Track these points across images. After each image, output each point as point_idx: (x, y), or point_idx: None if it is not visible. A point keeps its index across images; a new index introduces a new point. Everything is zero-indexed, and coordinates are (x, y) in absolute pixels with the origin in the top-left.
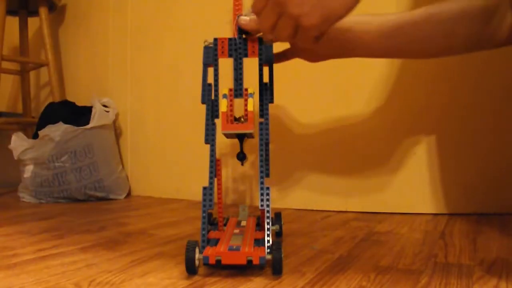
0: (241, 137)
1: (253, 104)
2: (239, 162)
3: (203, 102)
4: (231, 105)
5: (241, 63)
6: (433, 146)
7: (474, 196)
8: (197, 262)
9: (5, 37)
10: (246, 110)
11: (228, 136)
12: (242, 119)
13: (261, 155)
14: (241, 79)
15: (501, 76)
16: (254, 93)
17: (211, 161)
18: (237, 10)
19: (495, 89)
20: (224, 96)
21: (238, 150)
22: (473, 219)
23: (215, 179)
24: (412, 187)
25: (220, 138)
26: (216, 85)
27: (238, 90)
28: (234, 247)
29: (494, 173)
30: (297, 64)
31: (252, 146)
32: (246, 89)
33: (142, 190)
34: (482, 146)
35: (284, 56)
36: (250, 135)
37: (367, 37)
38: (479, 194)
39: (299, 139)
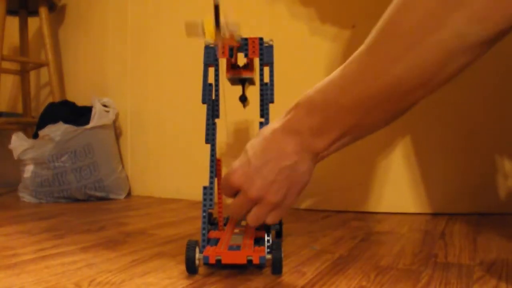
0: (243, 82)
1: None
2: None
3: (203, 102)
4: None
5: None
6: (433, 146)
7: (474, 196)
8: (197, 262)
9: (5, 37)
10: (247, 58)
11: (232, 82)
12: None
13: None
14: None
15: (493, 75)
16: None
17: (211, 161)
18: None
19: (489, 89)
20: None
21: (238, 150)
22: (473, 219)
23: (216, 179)
24: (412, 187)
25: (220, 138)
26: (217, 85)
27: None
28: (234, 246)
29: (494, 173)
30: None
31: None
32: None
33: (142, 190)
34: (482, 146)
35: None
36: (251, 82)
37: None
38: (479, 194)
39: None
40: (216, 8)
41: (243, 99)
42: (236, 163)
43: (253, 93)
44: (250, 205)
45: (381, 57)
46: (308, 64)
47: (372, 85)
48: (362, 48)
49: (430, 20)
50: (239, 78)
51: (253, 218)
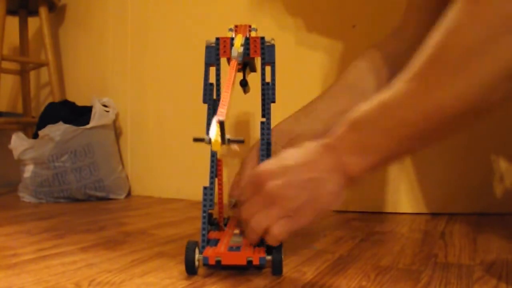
0: (244, 66)
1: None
2: (239, 163)
3: (204, 102)
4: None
5: None
6: (433, 146)
7: (474, 196)
8: (196, 263)
9: (5, 37)
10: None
11: None
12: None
13: (262, 155)
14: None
15: None
16: (256, 29)
17: (211, 161)
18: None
19: None
20: (230, 29)
21: (240, 151)
22: (473, 219)
23: (216, 179)
24: (412, 187)
25: None
26: (218, 84)
27: None
28: (234, 247)
29: (494, 173)
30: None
31: None
32: (250, 26)
33: (142, 190)
34: (482, 146)
35: None
36: (252, 67)
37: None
38: (478, 194)
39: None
40: (222, 125)
41: (244, 83)
42: (267, 161)
43: (253, 93)
44: (262, 205)
45: (428, 84)
46: (308, 64)
47: (417, 111)
48: (408, 71)
49: (479, 46)
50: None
51: (259, 219)
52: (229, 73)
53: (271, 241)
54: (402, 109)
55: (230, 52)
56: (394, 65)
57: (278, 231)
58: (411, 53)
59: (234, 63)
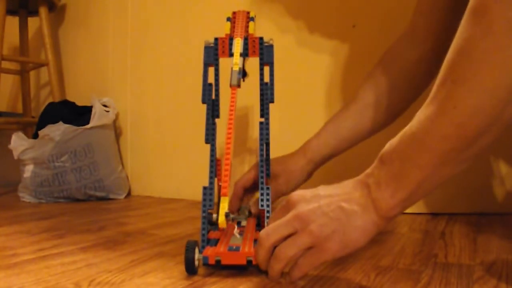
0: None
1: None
2: (239, 162)
3: (203, 102)
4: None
5: None
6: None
7: (474, 196)
8: (196, 263)
9: (5, 37)
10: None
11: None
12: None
13: (261, 155)
14: None
15: None
16: (255, 16)
17: (211, 161)
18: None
19: None
20: (228, 19)
21: (238, 150)
22: (473, 219)
23: (215, 179)
24: None
25: (220, 138)
26: (217, 84)
27: None
28: (234, 247)
29: (494, 173)
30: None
31: (252, 146)
32: (248, 12)
33: (142, 190)
34: None
35: None
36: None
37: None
38: (478, 194)
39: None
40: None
41: (243, 74)
42: (301, 190)
43: (253, 93)
44: (287, 229)
45: (443, 104)
46: (309, 64)
47: (437, 134)
48: (428, 97)
49: (488, 57)
50: None
51: (285, 246)
52: (230, 107)
53: (296, 272)
54: (425, 135)
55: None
56: (410, 75)
57: (304, 264)
58: (423, 62)
59: (234, 93)
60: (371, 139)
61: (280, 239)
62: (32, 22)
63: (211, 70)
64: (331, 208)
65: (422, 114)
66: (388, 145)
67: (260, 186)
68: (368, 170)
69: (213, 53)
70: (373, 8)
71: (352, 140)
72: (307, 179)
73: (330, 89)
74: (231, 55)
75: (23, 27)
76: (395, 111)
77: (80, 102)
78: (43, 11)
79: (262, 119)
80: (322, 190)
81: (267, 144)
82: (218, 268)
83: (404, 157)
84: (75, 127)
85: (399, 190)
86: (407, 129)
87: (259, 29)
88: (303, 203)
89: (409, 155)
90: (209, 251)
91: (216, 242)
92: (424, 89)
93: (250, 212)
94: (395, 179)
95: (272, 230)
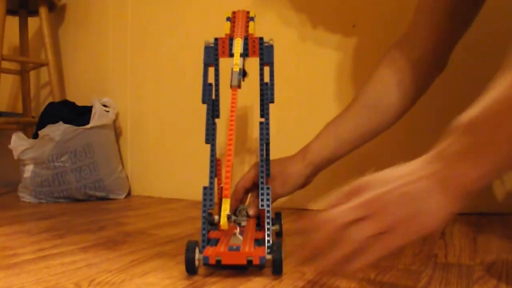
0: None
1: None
2: (239, 162)
3: (203, 102)
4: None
5: None
6: (433, 146)
7: (474, 196)
8: (197, 262)
9: (5, 37)
10: (247, 32)
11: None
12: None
13: (261, 155)
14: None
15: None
16: (255, 16)
17: (211, 161)
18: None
19: None
20: (228, 19)
21: (238, 150)
22: (473, 219)
23: (216, 179)
24: None
25: (220, 138)
26: (217, 84)
27: None
28: (234, 247)
29: None
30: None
31: (252, 146)
32: (248, 12)
33: (142, 190)
34: None
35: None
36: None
37: None
38: (479, 194)
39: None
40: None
41: (243, 74)
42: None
43: (253, 93)
44: (356, 213)
45: None
46: (309, 64)
47: None
48: None
49: None
50: None
51: (353, 230)
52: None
53: (363, 259)
54: None
55: (229, 51)
56: (411, 75)
57: (375, 249)
58: (424, 62)
59: (235, 93)
60: (374, 141)
61: (347, 223)
62: (32, 22)
63: (211, 70)
64: (402, 190)
65: (505, 82)
66: (471, 114)
67: (260, 186)
68: (446, 142)
69: (213, 53)
70: (374, 8)
71: (353, 142)
72: (307, 182)
73: (330, 90)
74: (231, 55)
75: (23, 27)
76: (397, 111)
77: (80, 102)
78: (43, 11)
79: (262, 119)
80: (390, 172)
81: (267, 144)
82: (219, 268)
83: (495, 126)
84: (75, 127)
85: (487, 162)
86: (487, 98)
87: (259, 29)
88: (372, 187)
89: (500, 122)
90: (210, 251)
91: (216, 242)
92: (426, 89)
93: (247, 214)
94: (484, 150)
95: (339, 213)
